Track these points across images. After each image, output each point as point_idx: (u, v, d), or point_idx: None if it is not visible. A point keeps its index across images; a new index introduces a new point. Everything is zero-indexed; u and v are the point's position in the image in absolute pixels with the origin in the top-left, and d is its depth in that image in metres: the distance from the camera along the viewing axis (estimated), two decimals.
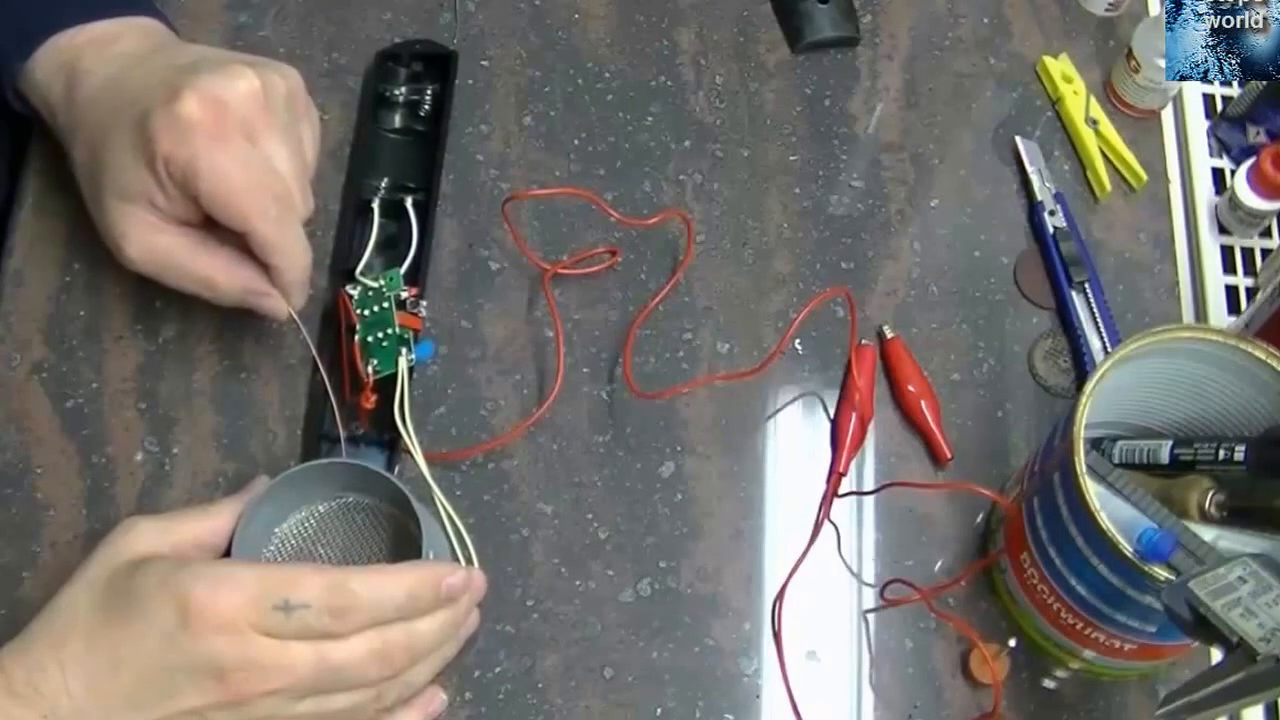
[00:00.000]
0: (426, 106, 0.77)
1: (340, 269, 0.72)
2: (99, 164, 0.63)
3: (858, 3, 0.85)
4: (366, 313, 0.68)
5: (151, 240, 0.63)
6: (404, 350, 0.68)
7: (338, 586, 0.55)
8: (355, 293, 0.69)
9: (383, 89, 0.77)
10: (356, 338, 0.68)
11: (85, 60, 0.64)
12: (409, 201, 0.73)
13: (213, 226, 0.63)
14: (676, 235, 0.77)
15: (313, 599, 0.54)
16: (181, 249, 0.63)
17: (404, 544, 0.64)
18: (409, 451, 0.66)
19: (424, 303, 0.70)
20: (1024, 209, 0.81)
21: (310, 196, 0.64)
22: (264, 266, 0.63)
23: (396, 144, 0.77)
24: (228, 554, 0.60)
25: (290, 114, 0.64)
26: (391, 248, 0.73)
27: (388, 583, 0.57)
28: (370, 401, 0.67)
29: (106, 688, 0.54)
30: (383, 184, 0.74)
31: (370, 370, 0.67)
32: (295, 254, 0.63)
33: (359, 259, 0.71)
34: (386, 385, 0.67)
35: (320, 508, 0.65)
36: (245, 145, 0.61)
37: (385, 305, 0.68)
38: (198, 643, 0.53)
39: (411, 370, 0.68)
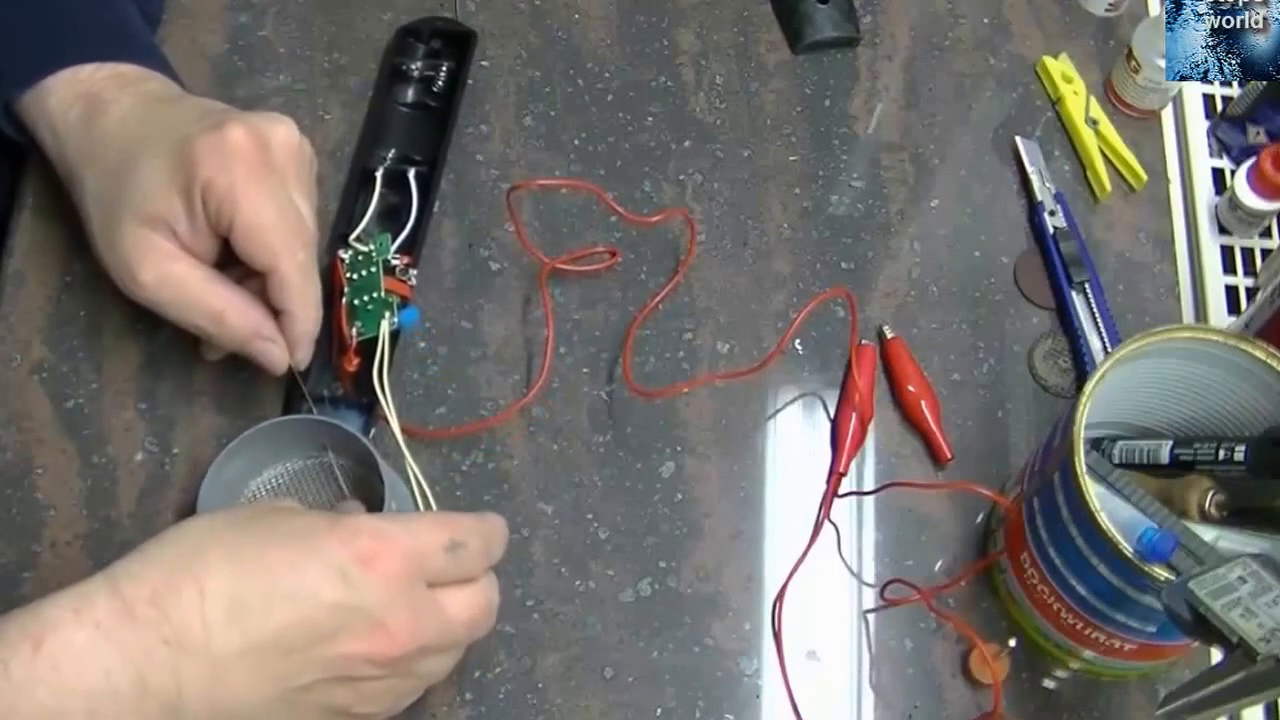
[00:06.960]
0: (440, 83, 0.78)
1: (339, 234, 0.73)
2: (120, 187, 0.62)
3: (858, 3, 0.85)
4: (355, 276, 0.69)
5: (167, 267, 0.62)
6: (387, 314, 0.68)
7: (479, 529, 0.55)
8: (347, 256, 0.69)
9: (400, 63, 0.78)
10: (343, 300, 0.68)
11: (109, 92, 0.64)
12: (411, 173, 0.74)
13: (223, 269, 0.63)
14: (677, 235, 0.77)
15: (469, 538, 0.54)
16: (196, 279, 0.63)
17: (373, 507, 0.64)
18: (385, 417, 0.66)
19: (414, 271, 0.71)
20: (1024, 209, 0.81)
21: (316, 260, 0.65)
22: (276, 314, 0.63)
23: (407, 117, 0.78)
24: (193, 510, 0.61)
25: (312, 180, 0.66)
26: (394, 218, 0.74)
27: (493, 521, 0.57)
28: (353, 364, 0.67)
29: (254, 622, 0.48)
30: (389, 155, 0.75)
31: (354, 333, 0.67)
32: (311, 304, 0.64)
33: (358, 225, 0.72)
34: (372, 350, 0.67)
35: (294, 464, 0.67)
36: (281, 186, 0.62)
37: (373, 269, 0.69)
38: (368, 577, 0.49)
39: (397, 335, 0.69)
